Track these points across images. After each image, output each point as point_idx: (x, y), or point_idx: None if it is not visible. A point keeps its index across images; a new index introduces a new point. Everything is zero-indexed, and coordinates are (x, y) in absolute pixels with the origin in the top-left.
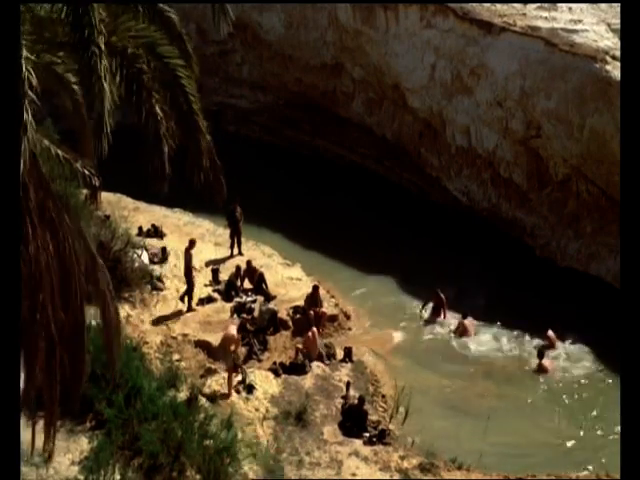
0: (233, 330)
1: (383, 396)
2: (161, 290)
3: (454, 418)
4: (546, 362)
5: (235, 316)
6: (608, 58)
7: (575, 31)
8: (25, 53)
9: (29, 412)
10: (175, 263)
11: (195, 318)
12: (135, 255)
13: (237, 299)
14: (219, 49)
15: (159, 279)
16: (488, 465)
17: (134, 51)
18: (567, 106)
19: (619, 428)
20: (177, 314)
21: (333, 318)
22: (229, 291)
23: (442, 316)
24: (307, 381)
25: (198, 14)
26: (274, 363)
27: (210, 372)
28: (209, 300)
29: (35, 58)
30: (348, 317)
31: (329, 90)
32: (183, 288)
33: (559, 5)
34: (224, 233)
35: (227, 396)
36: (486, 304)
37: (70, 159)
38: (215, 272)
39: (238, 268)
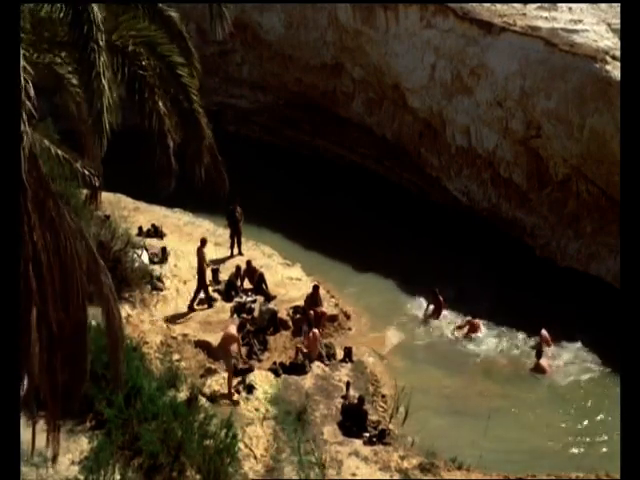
0: (233, 330)
1: (383, 396)
2: (161, 290)
3: (454, 418)
4: (544, 362)
5: (235, 316)
6: (608, 58)
7: (575, 31)
8: (23, 62)
9: (29, 412)
10: (175, 263)
11: (195, 318)
12: (135, 255)
13: (237, 299)
14: (219, 49)
15: (159, 279)
16: (488, 465)
17: (135, 49)
18: (567, 106)
19: (619, 428)
20: (177, 314)
21: (333, 318)
22: (229, 291)
23: (441, 316)
24: (307, 381)
25: (198, 14)
26: (274, 363)
27: (210, 372)
28: (209, 300)
29: (35, 58)
30: (348, 317)
31: (329, 90)
32: (183, 288)
33: (559, 5)
34: (224, 233)
35: (227, 396)
36: (486, 304)
37: (70, 159)
38: (215, 272)
39: (238, 268)
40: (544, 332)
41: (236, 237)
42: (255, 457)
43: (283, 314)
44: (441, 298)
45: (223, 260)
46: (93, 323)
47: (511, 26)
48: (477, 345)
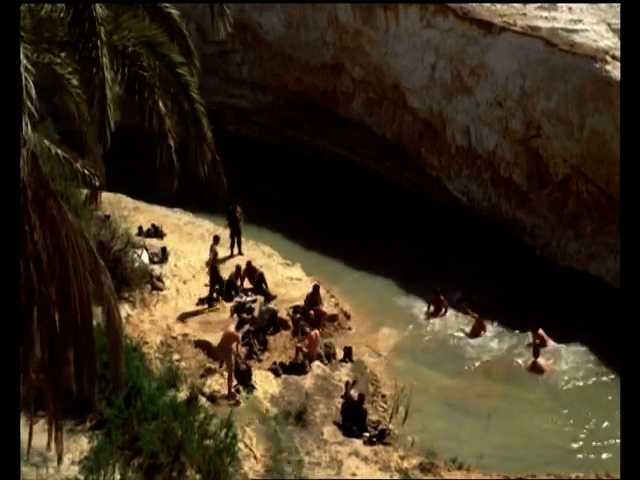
0: (233, 329)
1: (383, 396)
2: (161, 290)
3: (454, 418)
4: (541, 361)
5: (235, 316)
6: (608, 58)
7: (575, 31)
8: (24, 62)
9: (29, 412)
10: (175, 263)
11: (195, 318)
12: (135, 255)
13: (237, 299)
14: (219, 49)
15: (159, 279)
16: (488, 465)
17: (135, 50)
18: (567, 106)
19: (619, 428)
20: (177, 314)
21: (333, 318)
22: (229, 291)
23: (441, 316)
24: (307, 381)
25: (198, 14)
26: (274, 363)
27: (210, 372)
28: (209, 300)
29: (35, 58)
30: (348, 317)
31: (329, 90)
32: (183, 288)
33: (559, 5)
34: (224, 233)
35: (227, 396)
36: (486, 304)
37: (70, 159)
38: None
39: (238, 268)
40: (541, 331)
41: (236, 237)
42: (255, 457)
43: (283, 314)
44: (442, 298)
45: (223, 260)
46: (93, 323)
47: (511, 26)
48: (477, 345)
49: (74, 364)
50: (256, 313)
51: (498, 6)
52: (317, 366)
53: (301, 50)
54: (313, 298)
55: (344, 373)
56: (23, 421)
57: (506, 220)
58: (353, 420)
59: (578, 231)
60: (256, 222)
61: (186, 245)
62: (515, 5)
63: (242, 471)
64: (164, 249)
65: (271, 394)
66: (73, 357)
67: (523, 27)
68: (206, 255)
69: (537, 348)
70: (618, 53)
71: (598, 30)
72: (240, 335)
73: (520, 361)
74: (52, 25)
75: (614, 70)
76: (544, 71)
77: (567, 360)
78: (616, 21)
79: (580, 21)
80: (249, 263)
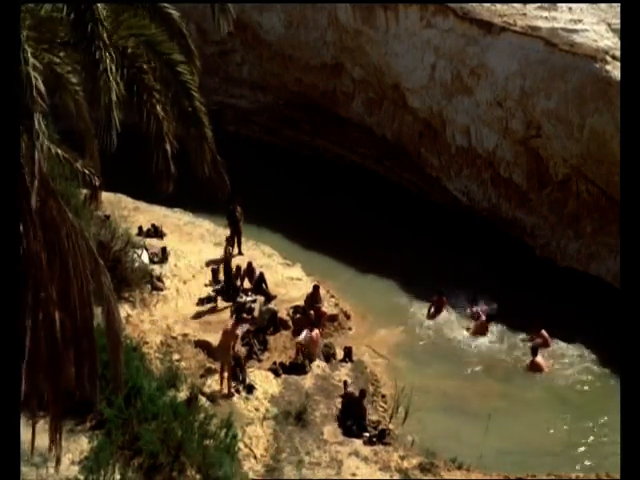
0: (233, 327)
1: (383, 396)
2: (161, 290)
3: (454, 418)
4: (540, 360)
5: (235, 316)
6: (608, 58)
7: (575, 31)
8: (32, 60)
9: (29, 412)
10: (175, 263)
11: (195, 318)
12: (135, 255)
13: (237, 299)
14: (219, 49)
15: (159, 279)
16: (488, 465)
17: (134, 50)
18: (567, 106)
19: (619, 428)
20: (177, 314)
21: (333, 318)
22: (229, 291)
23: (441, 316)
24: (307, 381)
25: (198, 14)
26: (274, 363)
27: (210, 372)
28: (209, 300)
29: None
30: (348, 317)
31: (329, 90)
32: (183, 288)
33: (559, 5)
34: (224, 233)
35: (226, 395)
36: (486, 304)
37: (70, 159)
38: (215, 272)
39: (238, 268)
40: (543, 332)
41: (236, 237)
42: (255, 457)
43: (283, 314)
44: (444, 299)
45: (223, 260)
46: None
47: (511, 26)
48: (477, 345)
49: (75, 364)
50: (256, 313)
51: (498, 6)
52: (317, 366)
53: (301, 50)
54: (313, 298)
55: (344, 373)
56: (24, 421)
57: (506, 220)
58: (354, 418)
59: (578, 231)
60: (256, 222)
61: (186, 245)
62: (515, 5)
63: (242, 471)
64: (164, 249)
65: (271, 394)
66: (74, 357)
67: (523, 27)
68: (206, 255)
69: (536, 347)
70: (618, 53)
71: (598, 30)
72: (239, 333)
73: (520, 361)
74: (52, 25)
75: (614, 70)
76: (544, 71)
77: (567, 360)
78: (616, 21)
79: (580, 21)
80: (249, 263)
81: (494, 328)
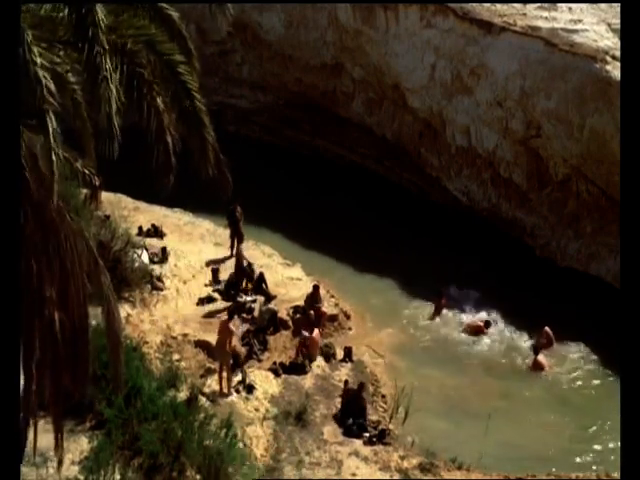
0: (230, 324)
1: (383, 396)
2: (161, 290)
3: (454, 418)
4: (542, 359)
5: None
6: (608, 58)
7: (575, 31)
8: (39, 60)
9: (30, 412)
10: (175, 263)
11: (195, 318)
12: (135, 255)
13: (237, 299)
14: (219, 49)
15: (159, 279)
16: (488, 465)
17: (133, 48)
18: (567, 106)
19: (619, 428)
20: (177, 314)
21: (333, 318)
22: (229, 291)
23: (441, 316)
24: (307, 381)
25: (198, 14)
26: (274, 363)
27: (210, 372)
28: (209, 300)
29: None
30: (348, 317)
31: (329, 90)
32: (183, 288)
33: (559, 5)
34: (224, 233)
35: (226, 395)
36: (486, 304)
37: (70, 159)
38: (215, 272)
39: (249, 265)
40: (547, 329)
41: (236, 237)
42: (255, 457)
43: (283, 314)
44: (445, 300)
45: (223, 260)
46: (93, 323)
47: (511, 26)
48: (477, 345)
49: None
50: (256, 313)
51: (498, 6)
52: (317, 366)
53: (301, 50)
54: (313, 298)
55: (344, 373)
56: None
57: (506, 220)
58: (354, 416)
59: (578, 231)
60: (256, 222)
61: (186, 245)
62: (515, 5)
63: (242, 471)
64: (164, 249)
65: (271, 394)
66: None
67: (523, 27)
68: (206, 255)
69: (538, 346)
70: (618, 53)
71: (598, 30)
72: (233, 328)
73: (520, 361)
74: (52, 25)
75: (614, 70)
76: (544, 71)
77: (567, 360)
78: (616, 21)
79: (580, 21)
80: (250, 263)
81: (494, 328)
